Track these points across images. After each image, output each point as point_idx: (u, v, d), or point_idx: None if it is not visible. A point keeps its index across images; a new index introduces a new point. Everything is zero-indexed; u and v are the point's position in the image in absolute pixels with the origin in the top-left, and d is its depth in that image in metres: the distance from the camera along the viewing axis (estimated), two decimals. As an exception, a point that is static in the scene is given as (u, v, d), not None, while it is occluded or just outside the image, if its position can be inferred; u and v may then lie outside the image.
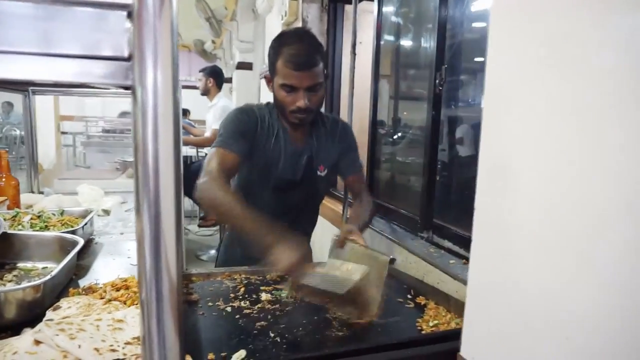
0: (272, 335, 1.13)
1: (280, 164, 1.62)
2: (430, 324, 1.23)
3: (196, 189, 1.39)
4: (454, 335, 0.98)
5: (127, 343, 0.84)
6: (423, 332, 1.19)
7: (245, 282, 1.51)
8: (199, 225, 5.51)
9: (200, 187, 1.40)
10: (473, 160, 1.79)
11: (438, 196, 1.87)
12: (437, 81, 1.79)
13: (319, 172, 1.69)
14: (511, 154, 0.73)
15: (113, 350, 0.80)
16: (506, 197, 0.74)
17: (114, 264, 1.61)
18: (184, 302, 1.29)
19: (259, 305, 1.31)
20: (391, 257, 1.35)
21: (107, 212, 2.47)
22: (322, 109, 1.75)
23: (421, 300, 1.40)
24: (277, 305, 1.32)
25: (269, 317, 1.24)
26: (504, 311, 0.77)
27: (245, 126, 1.57)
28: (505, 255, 0.74)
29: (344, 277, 1.21)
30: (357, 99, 2.48)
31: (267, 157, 1.61)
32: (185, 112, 7.19)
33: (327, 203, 2.94)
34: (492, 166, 0.77)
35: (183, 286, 1.41)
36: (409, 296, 1.43)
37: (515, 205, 0.73)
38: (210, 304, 1.31)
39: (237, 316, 1.23)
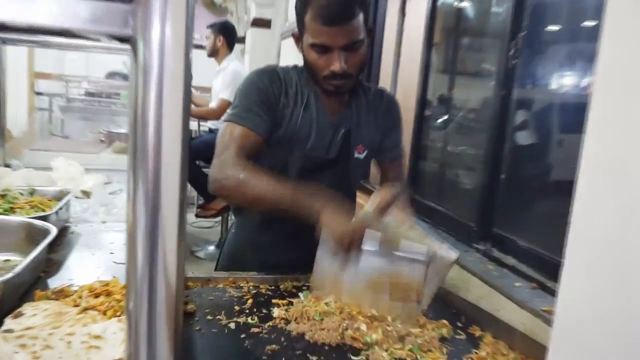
0: (286, 356, 1.14)
1: (311, 138, 1.61)
2: None
3: (211, 177, 1.42)
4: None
5: (105, 368, 0.80)
6: None
7: (254, 292, 1.51)
8: (197, 215, 5.55)
9: (217, 173, 1.43)
10: (551, 155, 1.74)
11: (501, 198, 1.84)
12: (510, 53, 1.73)
13: (356, 154, 1.67)
14: (632, 152, 0.66)
15: (87, 377, 0.77)
16: (623, 207, 0.67)
17: (93, 260, 1.59)
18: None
19: (270, 323, 1.31)
20: (456, 254, 1.40)
21: (87, 194, 2.46)
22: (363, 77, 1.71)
23: (475, 330, 1.39)
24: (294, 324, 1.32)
25: (282, 339, 1.24)
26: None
27: (268, 95, 1.55)
28: (621, 284, 0.67)
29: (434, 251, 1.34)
30: (402, 70, 2.44)
31: (294, 129, 1.59)
32: (186, 76, 7.21)
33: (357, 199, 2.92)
34: (603, 168, 0.69)
35: None
36: (458, 324, 1.43)
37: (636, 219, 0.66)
38: (209, 317, 1.32)
39: (243, 335, 1.23)
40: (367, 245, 1.33)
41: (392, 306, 1.35)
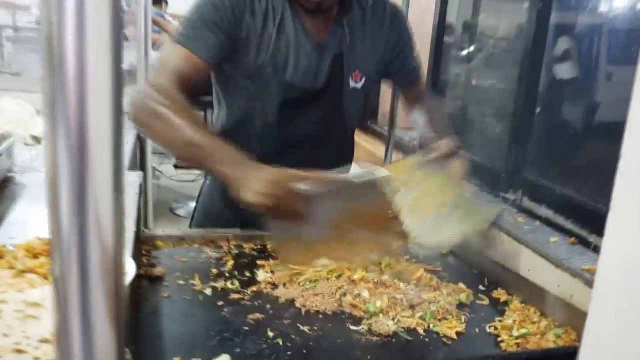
0: (271, 335, 1.14)
1: (290, 65, 1.54)
2: (515, 333, 1.21)
3: (130, 104, 1.36)
4: (557, 357, 1.00)
5: (43, 341, 0.79)
6: (502, 344, 1.19)
7: (236, 252, 1.52)
8: (176, 166, 5.55)
9: (137, 101, 1.35)
10: (597, 91, 1.73)
11: (535, 140, 1.85)
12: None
13: (352, 82, 1.63)
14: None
15: (19, 352, 0.75)
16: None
17: (40, 216, 1.56)
18: (136, 279, 1.30)
19: (254, 288, 1.33)
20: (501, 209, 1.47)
21: (37, 139, 2.43)
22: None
23: (500, 295, 1.41)
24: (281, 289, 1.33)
25: (269, 306, 1.25)
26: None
27: (224, 12, 1.45)
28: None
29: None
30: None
31: (267, 56, 1.52)
32: (160, 0, 7.10)
33: (362, 142, 2.90)
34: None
35: (144, 254, 1.45)
36: (481, 287, 1.45)
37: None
38: (181, 282, 1.33)
39: (221, 303, 1.25)
40: (305, 186, 1.22)
41: (376, 242, 1.34)
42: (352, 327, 1.19)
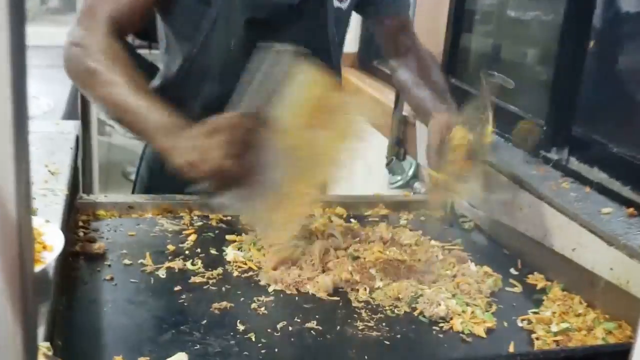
0: (240, 328, 1.14)
1: None
2: (554, 328, 1.22)
3: (63, 53, 1.45)
4: (605, 356, 1.01)
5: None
6: (538, 342, 1.19)
7: (199, 224, 1.55)
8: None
9: (69, 51, 1.45)
10: None
11: (586, 85, 1.81)
12: None
13: (335, 1, 1.66)
14: None
15: None
16: None
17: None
18: (70, 257, 1.30)
19: (221, 270, 1.35)
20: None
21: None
22: None
23: (537, 280, 1.43)
24: (256, 273, 1.34)
25: (239, 293, 1.27)
26: None
27: None
28: None
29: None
30: None
31: None
32: None
33: (366, 87, 2.89)
34: None
35: (81, 226, 1.45)
36: (513, 271, 1.47)
37: None
38: (127, 261, 1.35)
39: (178, 288, 1.26)
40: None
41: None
42: (347, 319, 1.20)
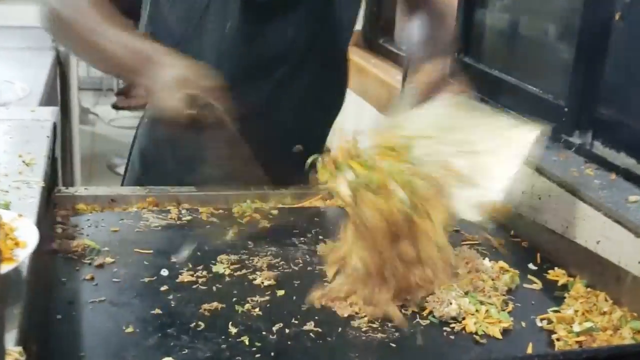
0: (233, 331, 1.14)
1: None
2: (576, 328, 1.21)
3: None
4: (631, 357, 1.00)
5: None
6: (559, 343, 1.19)
7: (189, 219, 1.55)
8: (116, 106, 5.52)
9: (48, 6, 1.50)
10: None
11: (612, 62, 1.80)
12: None
13: None
14: None
15: None
16: None
17: None
18: (47, 255, 1.30)
19: (212, 267, 1.35)
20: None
21: None
22: None
23: (558, 276, 1.42)
24: (248, 272, 1.34)
25: (235, 292, 1.27)
26: None
27: None
28: None
29: None
30: None
31: None
32: None
33: (371, 67, 2.89)
34: None
35: (59, 221, 1.44)
36: (531, 266, 1.47)
37: None
38: (109, 259, 1.34)
39: (164, 288, 1.26)
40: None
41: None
42: (349, 320, 1.20)
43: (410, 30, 1.74)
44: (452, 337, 1.17)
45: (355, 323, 1.18)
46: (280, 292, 1.26)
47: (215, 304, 1.19)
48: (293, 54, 1.64)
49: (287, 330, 1.14)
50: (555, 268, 1.43)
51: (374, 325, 1.18)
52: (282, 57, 1.63)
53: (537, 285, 1.37)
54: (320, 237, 1.46)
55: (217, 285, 1.27)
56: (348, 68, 1.83)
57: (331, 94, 1.81)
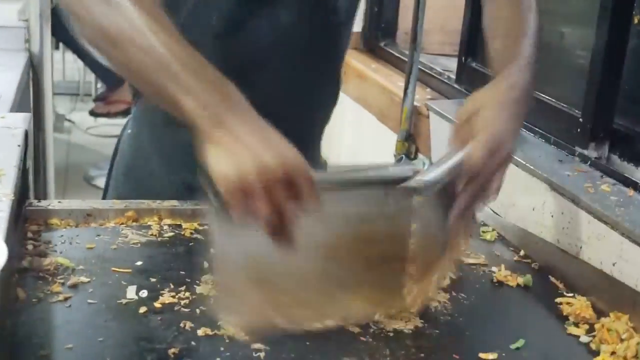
0: (216, 358, 1.14)
1: None
2: None
3: None
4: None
5: None
6: None
7: (170, 234, 1.55)
8: (94, 113, 5.53)
9: None
10: None
11: (631, 68, 1.82)
12: None
13: None
14: None
15: None
16: None
17: None
18: (17, 274, 1.30)
19: (196, 287, 1.35)
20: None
21: None
22: None
23: (569, 301, 1.41)
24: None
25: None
26: None
27: None
28: None
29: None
30: None
31: None
32: None
33: (371, 72, 2.90)
34: None
35: (30, 237, 1.44)
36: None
37: None
38: (84, 279, 1.34)
39: (143, 310, 1.26)
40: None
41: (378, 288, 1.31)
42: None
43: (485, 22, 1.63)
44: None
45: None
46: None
47: (199, 328, 1.19)
48: (285, 46, 1.65)
49: (275, 355, 1.15)
50: (570, 292, 1.44)
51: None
52: (274, 51, 1.64)
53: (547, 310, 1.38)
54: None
55: (201, 307, 1.26)
56: (342, 66, 1.82)
57: (325, 92, 1.81)
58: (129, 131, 1.82)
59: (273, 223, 1.09)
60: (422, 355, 1.19)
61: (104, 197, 1.86)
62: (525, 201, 1.76)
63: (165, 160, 1.74)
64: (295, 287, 1.25)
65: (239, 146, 1.09)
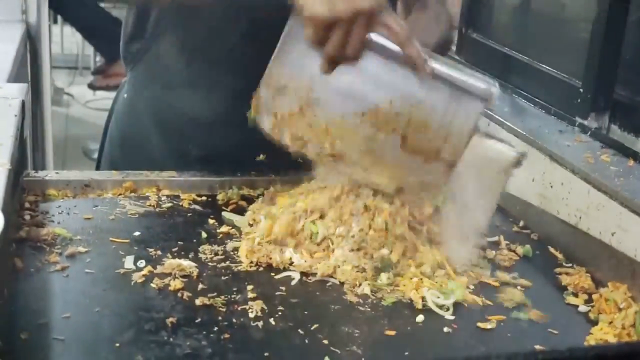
0: (214, 327, 1.14)
1: None
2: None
3: None
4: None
5: None
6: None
7: (168, 205, 1.55)
8: (93, 86, 5.51)
9: None
10: None
11: (632, 37, 1.80)
12: None
13: None
14: None
15: None
16: None
17: None
18: (14, 244, 1.30)
19: (192, 258, 1.35)
20: (519, 152, 1.43)
21: None
22: None
23: (567, 270, 1.43)
24: (233, 264, 1.34)
25: (217, 285, 1.27)
26: None
27: None
28: None
29: None
30: None
31: None
32: None
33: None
34: None
35: (28, 207, 1.45)
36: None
37: None
38: (81, 249, 1.35)
39: (141, 280, 1.26)
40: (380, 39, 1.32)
41: (405, 164, 1.40)
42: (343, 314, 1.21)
43: None
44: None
45: (349, 318, 1.19)
46: (268, 286, 1.26)
47: (196, 297, 1.19)
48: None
49: (274, 325, 1.15)
50: (575, 265, 1.45)
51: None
52: (280, 27, 1.62)
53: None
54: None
55: (199, 277, 1.27)
56: None
57: None
58: (125, 95, 1.82)
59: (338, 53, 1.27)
60: (420, 325, 1.19)
61: (98, 162, 1.88)
62: (525, 172, 1.73)
63: (160, 129, 1.74)
64: (333, 131, 1.38)
65: None
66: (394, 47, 1.31)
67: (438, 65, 1.35)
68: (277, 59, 1.38)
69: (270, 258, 1.31)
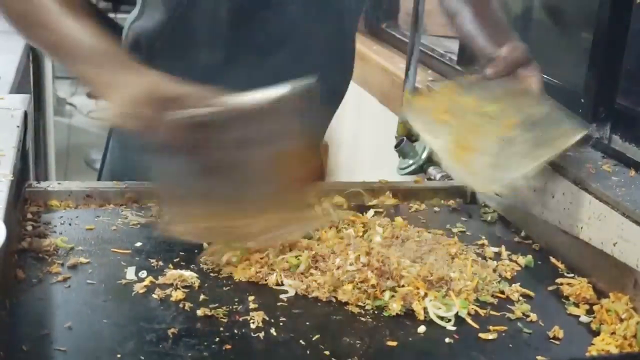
0: (215, 337, 1.14)
1: None
2: None
3: None
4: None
5: None
6: None
7: None
8: (92, 95, 5.47)
9: None
10: None
11: (634, 47, 1.80)
12: None
13: None
14: None
15: None
16: None
17: None
18: (16, 254, 1.30)
19: (194, 269, 1.35)
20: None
21: None
22: None
23: (569, 280, 1.42)
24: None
25: (218, 296, 1.26)
26: None
27: None
28: None
29: None
30: None
31: None
32: None
33: (373, 54, 2.89)
34: None
35: (30, 218, 1.45)
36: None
37: None
38: (83, 260, 1.34)
39: (143, 290, 1.26)
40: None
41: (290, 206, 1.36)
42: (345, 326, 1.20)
43: (458, 9, 1.79)
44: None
45: (351, 330, 1.19)
46: (269, 297, 1.26)
47: (198, 308, 1.19)
48: (293, 37, 1.64)
49: (275, 336, 1.14)
50: (570, 273, 1.44)
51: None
52: (283, 37, 1.62)
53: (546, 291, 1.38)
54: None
55: (204, 283, 1.27)
56: (354, 57, 1.83)
57: (334, 84, 1.79)
58: None
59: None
60: (422, 335, 1.19)
61: (100, 172, 1.89)
62: (526, 182, 1.73)
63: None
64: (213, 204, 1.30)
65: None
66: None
67: None
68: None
69: (266, 280, 1.30)
